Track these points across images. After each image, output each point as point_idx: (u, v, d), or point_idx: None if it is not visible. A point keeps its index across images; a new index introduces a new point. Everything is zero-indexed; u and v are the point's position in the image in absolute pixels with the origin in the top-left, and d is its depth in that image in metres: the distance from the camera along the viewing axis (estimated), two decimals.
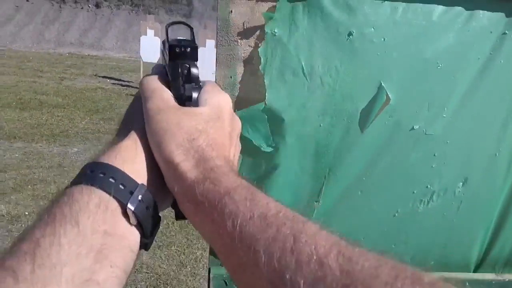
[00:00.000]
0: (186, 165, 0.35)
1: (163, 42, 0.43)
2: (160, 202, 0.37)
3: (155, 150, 0.37)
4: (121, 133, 0.40)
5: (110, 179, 0.33)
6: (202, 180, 0.34)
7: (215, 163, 0.35)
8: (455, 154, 0.75)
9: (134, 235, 0.34)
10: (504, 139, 0.76)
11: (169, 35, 0.42)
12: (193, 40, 0.42)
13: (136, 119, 0.41)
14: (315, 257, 0.27)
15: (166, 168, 0.36)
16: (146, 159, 0.37)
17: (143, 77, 0.43)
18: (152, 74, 0.43)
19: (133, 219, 0.33)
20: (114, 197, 0.32)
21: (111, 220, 0.32)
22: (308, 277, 0.26)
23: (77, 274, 0.28)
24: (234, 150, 0.41)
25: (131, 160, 0.36)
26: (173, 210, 0.40)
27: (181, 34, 0.43)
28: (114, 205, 0.33)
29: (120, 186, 0.33)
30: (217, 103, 0.41)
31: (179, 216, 0.40)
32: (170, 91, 0.41)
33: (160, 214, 0.37)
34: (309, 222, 0.30)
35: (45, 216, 0.31)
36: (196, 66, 0.41)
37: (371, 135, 0.68)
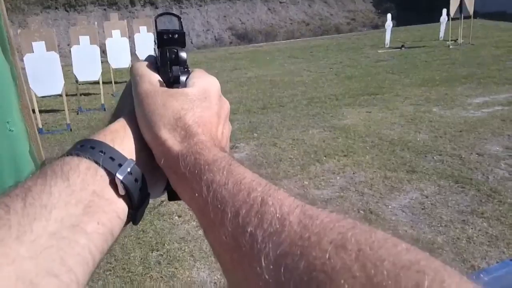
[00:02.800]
0: (173, 141, 0.38)
1: (154, 33, 0.46)
2: (152, 182, 0.39)
3: (144, 131, 0.39)
4: (113, 119, 0.42)
5: (100, 152, 0.35)
6: (186, 154, 0.37)
7: (199, 138, 0.38)
8: None
9: (122, 204, 0.35)
10: None
11: (157, 25, 0.44)
12: (181, 28, 0.44)
13: (127, 104, 0.43)
14: (277, 215, 0.28)
15: (154, 145, 0.39)
16: (135, 142, 0.39)
17: (133, 63, 0.45)
18: (143, 60, 0.46)
19: (121, 189, 0.35)
20: (103, 167, 0.34)
21: (100, 184, 0.34)
22: (267, 230, 0.28)
23: (66, 218, 0.30)
24: (222, 129, 0.44)
25: (119, 140, 0.38)
26: None
27: (170, 25, 0.46)
28: (103, 173, 0.34)
29: (109, 159, 0.35)
30: (204, 85, 0.43)
31: (171, 197, 0.42)
32: (160, 76, 0.43)
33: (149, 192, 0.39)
34: (280, 189, 0.32)
35: (37, 173, 0.33)
36: (184, 51, 0.43)
37: None
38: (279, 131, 5.24)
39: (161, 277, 2.52)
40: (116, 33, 8.27)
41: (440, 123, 5.10)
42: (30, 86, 5.60)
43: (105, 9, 18.97)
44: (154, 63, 0.45)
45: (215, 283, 2.47)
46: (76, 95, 7.32)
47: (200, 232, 2.96)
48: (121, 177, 0.34)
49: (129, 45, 8.38)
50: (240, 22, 21.34)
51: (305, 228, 0.27)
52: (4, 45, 0.77)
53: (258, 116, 6.04)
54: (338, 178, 3.75)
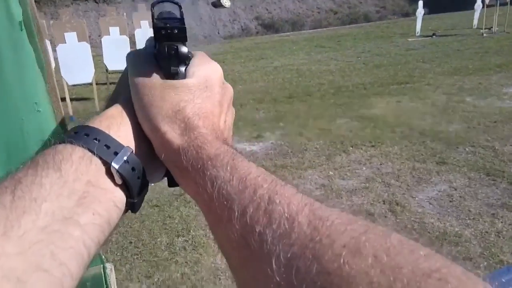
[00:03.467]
0: (172, 134, 0.37)
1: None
2: (151, 170, 0.38)
3: (143, 121, 0.38)
4: (110, 103, 0.40)
5: (94, 140, 0.33)
6: (187, 148, 0.35)
7: (200, 132, 0.36)
8: None
9: (119, 193, 0.34)
10: None
11: (154, 15, 0.39)
12: (181, 20, 0.40)
13: (123, 92, 0.41)
14: (286, 215, 0.28)
15: (153, 137, 0.38)
16: (133, 128, 0.38)
17: (130, 51, 0.43)
18: (142, 48, 0.43)
19: (117, 178, 0.33)
20: (98, 156, 0.33)
21: (95, 174, 0.32)
22: (276, 231, 0.27)
23: (57, 211, 0.29)
24: (225, 117, 0.42)
25: (116, 127, 0.36)
26: None
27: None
28: (98, 162, 0.33)
29: (104, 147, 0.33)
30: (204, 73, 0.41)
31: (171, 183, 0.40)
32: (159, 66, 0.40)
33: (148, 179, 0.38)
34: (287, 185, 0.31)
35: (28, 163, 0.32)
36: (185, 46, 0.40)
37: None
38: (305, 120, 5.19)
39: (186, 262, 2.57)
40: (144, 23, 8.37)
41: (474, 114, 4.92)
42: (62, 75, 5.80)
43: (133, 0, 19.22)
44: (153, 48, 0.42)
45: None
46: (106, 83, 7.49)
47: None
48: (116, 166, 0.33)
49: None
50: (266, 12, 21.19)
51: (316, 229, 0.26)
52: (30, 30, 0.79)
53: (284, 105, 6.00)
54: (364, 168, 3.69)
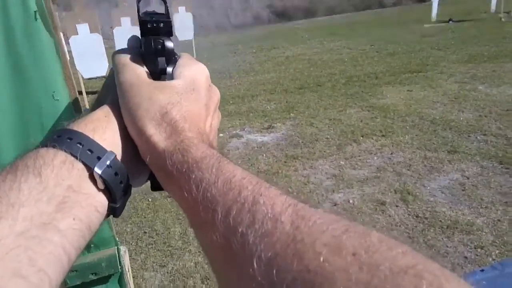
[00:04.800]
0: (158, 137, 0.36)
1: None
2: (135, 173, 0.38)
3: (129, 124, 0.38)
4: (96, 106, 0.40)
5: (77, 144, 0.33)
6: (172, 151, 0.35)
7: (186, 135, 0.36)
8: None
9: (101, 197, 0.34)
10: None
11: (140, 9, 0.40)
12: (166, 14, 0.40)
13: (111, 91, 0.41)
14: (269, 215, 0.28)
15: (139, 140, 0.37)
16: (120, 131, 0.37)
17: (115, 51, 0.42)
18: (126, 47, 0.43)
19: (100, 183, 0.33)
20: (80, 160, 0.33)
21: (77, 179, 0.32)
22: (259, 230, 0.27)
23: (36, 216, 0.29)
24: (211, 120, 0.42)
25: (101, 130, 0.36)
26: None
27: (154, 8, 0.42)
28: (80, 166, 0.33)
29: (87, 151, 0.33)
30: (192, 75, 0.41)
31: (154, 187, 0.40)
32: (145, 64, 0.40)
33: (131, 183, 0.38)
34: (272, 187, 0.31)
35: (7, 167, 0.31)
36: (170, 40, 0.40)
37: None
38: (316, 110, 5.21)
39: (199, 251, 2.65)
40: (182, 9, 8.35)
41: (486, 102, 4.86)
42: (76, 67, 5.88)
43: None
44: (139, 47, 0.41)
45: None
46: None
47: None
48: (99, 171, 0.33)
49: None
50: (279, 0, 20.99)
51: (298, 229, 0.26)
52: (45, 20, 0.82)
53: (295, 96, 6.01)
54: (375, 158, 3.71)
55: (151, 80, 0.39)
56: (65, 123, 0.37)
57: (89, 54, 5.81)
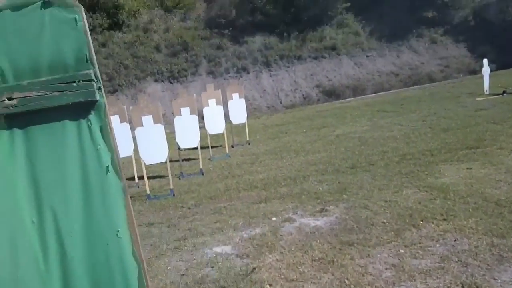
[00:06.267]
0: None
1: None
2: None
3: None
4: None
5: None
6: None
7: None
8: None
9: None
10: None
11: None
12: None
13: None
14: None
15: None
16: None
17: None
18: None
19: None
20: None
21: None
22: None
23: None
24: None
25: None
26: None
27: None
28: None
29: None
30: None
31: None
32: None
33: None
34: None
35: None
36: None
37: None
38: (370, 192, 5.12)
39: None
40: (212, 102, 9.13)
41: None
42: (140, 155, 6.41)
43: (203, 79, 20.92)
44: None
45: None
46: (178, 161, 8.06)
47: None
48: None
49: (223, 111, 9.18)
50: (327, 79, 21.78)
51: None
52: (115, 165, 1.02)
53: (347, 176, 5.99)
54: (437, 246, 3.51)
55: None
56: None
57: (153, 142, 6.36)
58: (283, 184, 6.10)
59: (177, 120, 7.64)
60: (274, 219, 4.62)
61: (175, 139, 7.77)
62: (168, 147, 6.57)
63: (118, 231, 1.02)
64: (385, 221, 4.16)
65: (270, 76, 21.95)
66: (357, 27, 23.39)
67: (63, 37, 0.96)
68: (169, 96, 19.34)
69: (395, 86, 20.56)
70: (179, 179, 7.43)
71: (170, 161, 7.10)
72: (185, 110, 7.62)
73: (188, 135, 7.64)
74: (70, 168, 0.96)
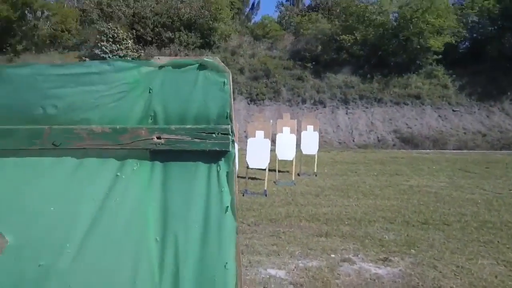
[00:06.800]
0: None
1: None
2: None
3: None
4: None
5: None
6: None
7: None
8: (89, 282, 0.97)
9: None
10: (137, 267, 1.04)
11: None
12: None
13: None
14: None
15: None
16: None
17: None
18: None
19: None
20: None
21: None
22: None
23: None
24: None
25: None
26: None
27: None
28: None
29: None
30: None
31: None
32: None
33: None
34: None
35: None
36: None
37: None
38: (441, 252, 4.75)
39: None
40: (286, 129, 9.28)
41: None
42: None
43: (279, 105, 21.30)
44: None
45: None
46: (244, 177, 8.20)
47: None
48: None
49: (295, 140, 9.27)
50: (406, 126, 20.96)
51: None
52: (233, 207, 1.18)
53: (418, 230, 5.63)
54: None
55: None
56: None
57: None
58: (346, 223, 5.90)
59: (250, 141, 7.95)
60: (333, 255, 4.46)
61: (245, 156, 7.98)
62: (238, 164, 6.78)
63: (226, 263, 1.18)
64: (454, 287, 3.82)
65: (347, 113, 21.68)
66: (446, 80, 22.38)
67: (211, 95, 1.15)
68: (244, 116, 19.95)
69: (481, 146, 19.17)
70: (243, 195, 7.53)
71: (238, 176, 7.25)
72: (259, 133, 7.90)
73: (258, 156, 7.89)
74: (195, 203, 1.14)
